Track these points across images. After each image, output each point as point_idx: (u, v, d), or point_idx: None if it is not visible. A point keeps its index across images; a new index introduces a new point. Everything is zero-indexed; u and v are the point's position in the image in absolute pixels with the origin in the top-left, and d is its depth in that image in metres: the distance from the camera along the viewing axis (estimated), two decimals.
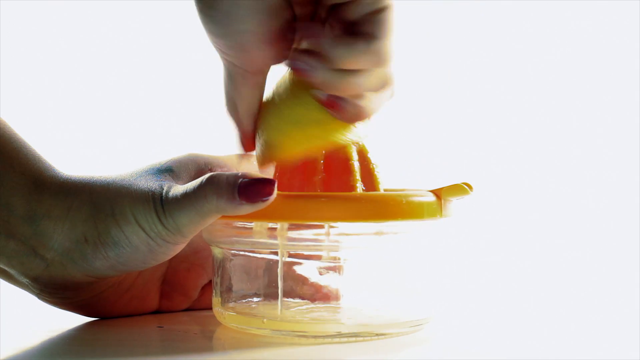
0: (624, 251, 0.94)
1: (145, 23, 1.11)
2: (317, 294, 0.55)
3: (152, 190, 0.52)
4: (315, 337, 0.51)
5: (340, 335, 0.51)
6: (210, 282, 0.60)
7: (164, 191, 0.52)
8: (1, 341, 0.52)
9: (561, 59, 1.10)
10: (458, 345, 0.52)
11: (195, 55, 1.07)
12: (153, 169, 0.54)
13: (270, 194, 0.50)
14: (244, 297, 0.54)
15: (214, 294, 0.55)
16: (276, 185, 0.50)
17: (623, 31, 1.08)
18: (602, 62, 1.09)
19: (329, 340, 0.51)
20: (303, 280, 0.55)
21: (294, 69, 0.50)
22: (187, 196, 0.51)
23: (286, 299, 0.54)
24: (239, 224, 0.52)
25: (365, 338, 0.51)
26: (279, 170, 0.55)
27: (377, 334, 0.52)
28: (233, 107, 0.53)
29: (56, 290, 0.54)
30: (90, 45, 1.11)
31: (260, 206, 0.50)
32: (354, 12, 0.49)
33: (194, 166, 0.56)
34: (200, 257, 0.59)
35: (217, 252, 0.54)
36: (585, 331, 0.47)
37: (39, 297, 0.55)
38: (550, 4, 1.09)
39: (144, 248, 0.52)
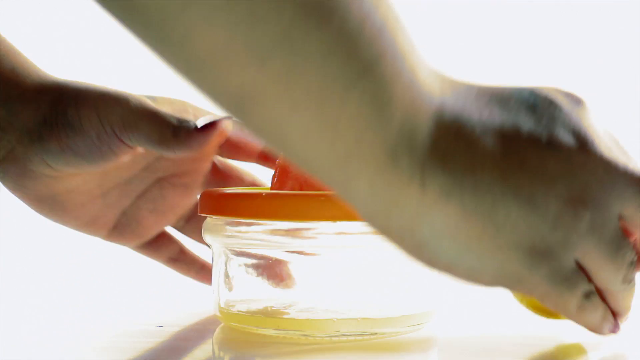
0: None
1: None
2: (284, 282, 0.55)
3: (121, 95, 0.55)
4: (315, 337, 0.51)
5: (339, 335, 0.51)
6: (165, 231, 0.62)
7: (132, 98, 0.55)
8: (1, 342, 0.52)
9: (561, 59, 1.10)
10: (458, 345, 0.52)
11: None
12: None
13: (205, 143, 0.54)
14: (244, 297, 0.54)
15: (213, 293, 0.55)
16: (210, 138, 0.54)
17: (623, 31, 1.08)
18: (602, 62, 1.09)
19: (329, 340, 0.51)
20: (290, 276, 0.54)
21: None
22: (148, 110, 0.54)
23: (286, 298, 0.54)
24: (239, 223, 0.52)
25: (365, 338, 0.51)
26: (279, 172, 0.55)
27: (376, 334, 0.51)
28: None
29: (17, 177, 0.56)
30: (88, 47, 1.11)
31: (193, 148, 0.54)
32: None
33: (180, 104, 0.58)
34: (166, 204, 0.61)
35: (217, 251, 0.54)
36: (585, 331, 0.47)
37: (2, 182, 0.57)
38: (550, 4, 1.09)
39: (93, 133, 0.54)
